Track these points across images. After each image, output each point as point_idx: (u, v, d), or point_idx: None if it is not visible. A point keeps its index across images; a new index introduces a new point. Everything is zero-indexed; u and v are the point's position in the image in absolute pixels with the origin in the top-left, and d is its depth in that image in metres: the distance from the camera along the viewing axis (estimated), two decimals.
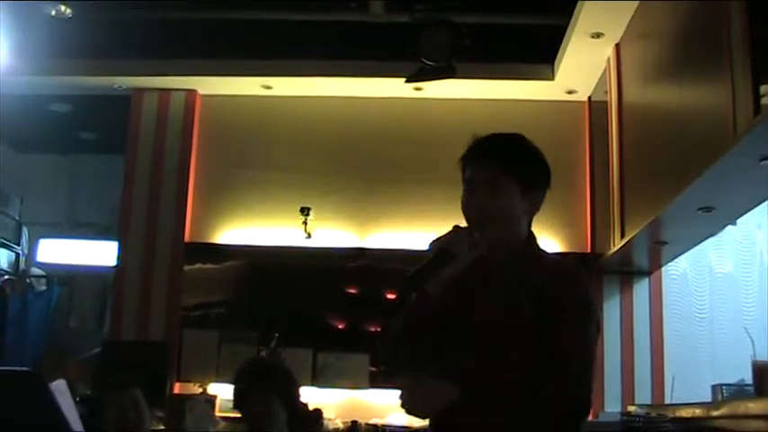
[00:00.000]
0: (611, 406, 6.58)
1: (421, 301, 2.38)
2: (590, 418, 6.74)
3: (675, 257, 6.44)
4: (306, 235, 7.11)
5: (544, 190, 2.47)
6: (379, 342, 2.51)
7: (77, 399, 4.24)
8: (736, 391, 4.92)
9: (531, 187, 2.42)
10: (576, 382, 2.25)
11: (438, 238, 2.35)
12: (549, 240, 7.07)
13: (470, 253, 2.34)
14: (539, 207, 2.47)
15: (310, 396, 5.79)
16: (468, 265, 2.37)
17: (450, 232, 2.35)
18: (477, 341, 2.29)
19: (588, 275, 6.90)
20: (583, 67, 6.63)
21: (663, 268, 6.80)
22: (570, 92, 7.16)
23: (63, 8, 6.09)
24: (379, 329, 6.41)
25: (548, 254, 2.50)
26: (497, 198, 2.37)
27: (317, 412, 5.72)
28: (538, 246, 2.48)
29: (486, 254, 2.40)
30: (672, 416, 4.51)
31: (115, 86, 7.46)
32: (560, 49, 6.60)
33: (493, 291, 2.36)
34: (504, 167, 2.38)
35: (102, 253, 8.34)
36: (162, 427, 6.04)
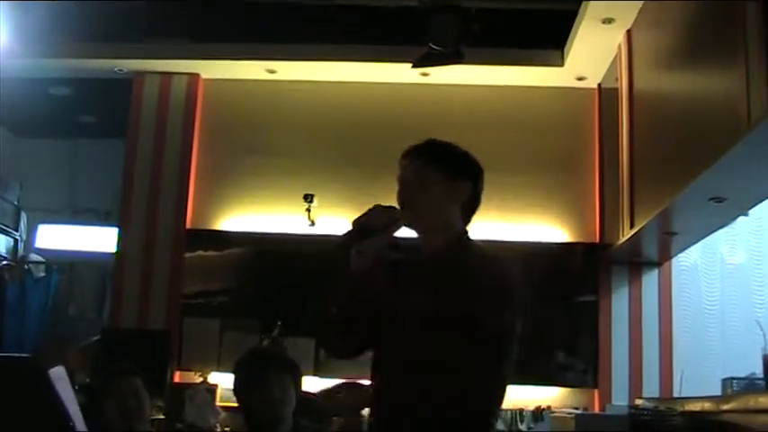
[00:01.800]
0: (619, 399, 6.59)
1: (343, 274, 2.55)
2: (596, 410, 6.74)
3: (686, 248, 6.44)
4: (309, 222, 7.12)
5: (472, 181, 2.64)
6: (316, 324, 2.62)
7: (76, 387, 4.25)
8: (747, 385, 4.92)
9: (453, 177, 2.60)
10: (489, 378, 2.41)
11: (358, 216, 2.56)
12: (557, 230, 7.08)
13: (391, 227, 2.54)
14: (465, 199, 2.62)
15: (312, 387, 5.79)
16: (407, 257, 2.59)
17: (369, 209, 2.56)
18: (409, 330, 2.42)
19: (595, 265, 6.91)
20: (593, 53, 6.61)
21: (673, 259, 6.80)
22: (580, 78, 7.14)
23: None
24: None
25: (478, 246, 2.61)
26: (418, 185, 2.58)
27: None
28: (468, 240, 2.62)
29: (421, 248, 2.60)
30: (681, 410, 4.52)
31: (116, 70, 7.45)
32: (570, 35, 6.58)
33: (424, 279, 2.50)
34: (424, 160, 2.61)
35: (102, 239, 8.34)
36: (162, 417, 6.05)
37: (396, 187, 2.65)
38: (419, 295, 2.45)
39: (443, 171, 2.59)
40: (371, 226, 2.52)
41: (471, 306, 2.36)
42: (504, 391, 2.46)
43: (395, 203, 2.60)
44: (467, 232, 2.63)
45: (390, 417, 2.47)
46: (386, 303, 2.49)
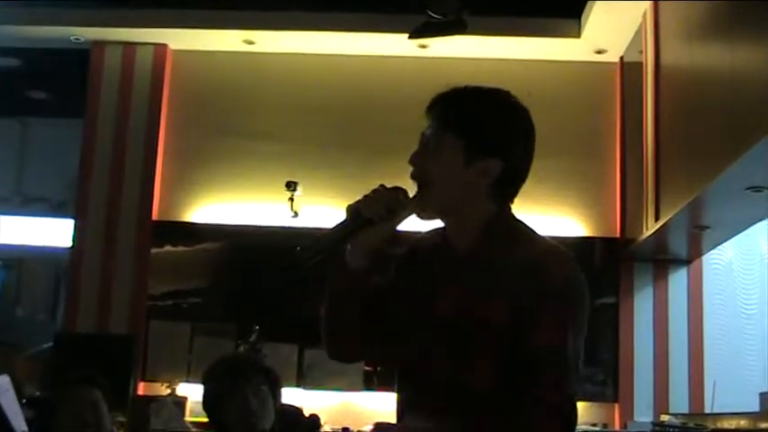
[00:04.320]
0: (642, 415, 6.59)
1: (337, 272, 2.37)
2: (617, 427, 6.74)
3: (719, 244, 6.44)
4: (292, 213, 7.10)
5: (503, 158, 2.29)
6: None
7: (24, 400, 4.22)
8: None
9: (478, 152, 2.26)
10: (563, 387, 2.14)
11: (352, 203, 2.32)
12: (572, 223, 7.08)
13: (396, 217, 2.27)
14: (499, 176, 2.28)
15: (295, 399, 5.78)
16: (434, 249, 2.34)
17: (369, 194, 2.31)
18: (439, 339, 2.22)
19: (615, 263, 6.91)
20: (614, 23, 6.60)
21: (704, 256, 6.81)
22: (599, 51, 7.13)
23: None
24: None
25: (528, 234, 2.33)
26: (433, 157, 2.28)
27: (314, 419, 5.71)
28: (512, 225, 2.33)
29: (446, 236, 2.33)
30: (712, 427, 4.51)
31: (72, 38, 7.41)
32: (588, 2, 6.56)
33: (455, 279, 2.26)
34: (446, 122, 2.30)
35: (55, 232, 8.31)
36: None
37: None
38: (448, 302, 2.22)
39: (470, 139, 2.26)
40: (371, 213, 2.27)
41: (521, 317, 2.13)
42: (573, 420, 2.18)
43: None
44: (508, 216, 2.33)
45: None
46: (407, 310, 2.29)
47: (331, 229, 2.32)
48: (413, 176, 2.30)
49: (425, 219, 2.32)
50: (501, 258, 2.23)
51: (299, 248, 2.29)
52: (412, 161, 2.31)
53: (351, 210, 2.30)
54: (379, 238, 2.30)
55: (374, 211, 2.27)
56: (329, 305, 2.42)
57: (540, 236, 2.32)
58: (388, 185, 2.30)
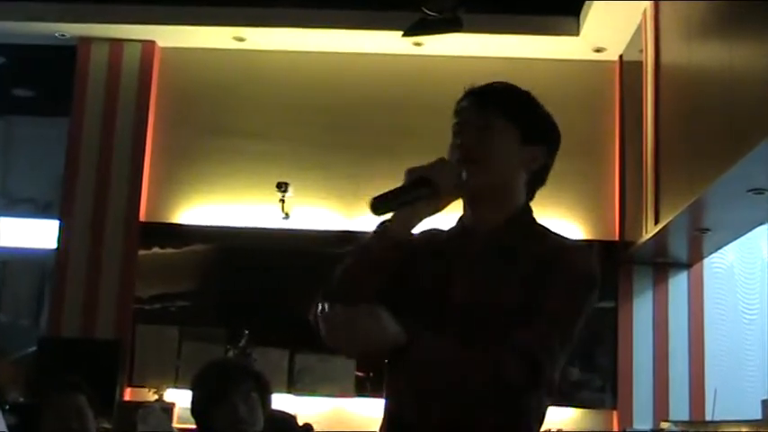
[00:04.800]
0: (641, 422, 6.60)
1: (380, 238, 2.28)
2: None
3: (720, 248, 6.45)
4: (283, 215, 7.09)
5: (548, 148, 2.49)
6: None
7: (7, 407, 4.22)
8: None
9: (529, 138, 2.41)
10: (548, 344, 2.18)
11: (417, 167, 2.28)
12: (570, 225, 7.07)
13: (454, 190, 2.28)
14: (536, 168, 2.44)
15: (285, 405, 5.77)
16: (453, 236, 2.38)
17: (432, 162, 2.29)
18: (461, 325, 2.23)
19: (614, 266, 6.91)
20: (614, 21, 6.60)
21: (705, 260, 6.81)
22: (598, 50, 7.14)
23: None
24: None
25: (549, 230, 2.42)
26: (489, 137, 2.35)
27: (308, 428, 5.70)
28: (532, 220, 2.43)
29: (472, 224, 2.37)
30: None
31: (57, 35, 7.40)
32: (587, 0, 6.57)
33: (482, 266, 2.30)
34: (499, 107, 2.38)
35: (40, 233, 8.29)
36: None
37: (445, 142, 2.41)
38: (470, 287, 2.26)
39: (519, 126, 2.38)
40: (444, 183, 2.24)
41: (544, 305, 2.20)
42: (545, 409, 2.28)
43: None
44: (530, 208, 2.44)
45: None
46: (423, 295, 2.30)
47: (398, 191, 2.24)
48: (465, 157, 2.32)
49: (468, 194, 2.35)
50: (524, 248, 2.30)
51: (373, 199, 2.22)
52: (465, 142, 2.35)
53: (418, 176, 2.26)
54: (434, 211, 2.29)
55: (447, 182, 2.26)
56: (358, 273, 2.30)
57: (559, 234, 2.41)
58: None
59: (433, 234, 2.42)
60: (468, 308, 2.25)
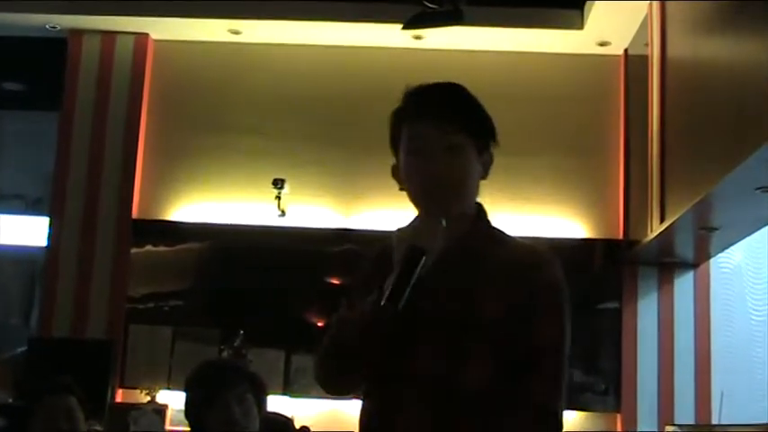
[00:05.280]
0: (646, 425, 6.60)
1: (382, 314, 2.22)
2: None
3: (727, 247, 6.44)
4: (279, 212, 7.09)
5: (491, 150, 2.43)
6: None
7: None
8: None
9: (485, 146, 2.39)
10: (554, 385, 2.26)
11: (404, 229, 2.27)
12: (572, 223, 7.08)
13: (439, 245, 2.23)
14: (488, 172, 2.42)
15: (281, 407, 5.77)
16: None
17: (415, 222, 2.29)
18: (429, 338, 2.25)
19: (618, 266, 6.91)
20: (619, 14, 6.60)
21: (711, 260, 6.81)
22: (603, 44, 7.13)
23: None
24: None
25: (505, 234, 2.43)
26: (459, 160, 2.31)
27: (304, 430, 5.71)
28: (490, 222, 2.44)
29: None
30: None
31: (48, 27, 7.40)
32: None
33: (443, 278, 2.27)
34: (461, 124, 2.32)
35: (30, 230, 8.29)
36: None
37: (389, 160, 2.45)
38: (441, 297, 2.27)
39: (481, 137, 2.36)
40: (429, 249, 2.20)
41: (508, 311, 2.23)
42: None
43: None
44: (483, 210, 2.43)
45: None
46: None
47: (401, 280, 2.18)
48: (438, 185, 2.30)
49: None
50: (490, 253, 2.32)
51: (383, 302, 2.18)
52: (434, 168, 2.30)
53: (410, 250, 2.20)
54: (425, 270, 2.22)
55: (437, 244, 2.23)
56: (347, 343, 2.30)
57: (515, 237, 2.43)
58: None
59: (389, 249, 2.33)
60: (440, 319, 2.26)
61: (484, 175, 2.39)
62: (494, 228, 2.42)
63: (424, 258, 2.19)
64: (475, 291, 2.26)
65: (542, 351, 2.24)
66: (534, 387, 2.22)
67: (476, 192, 2.38)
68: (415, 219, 2.31)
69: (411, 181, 2.35)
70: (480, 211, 2.42)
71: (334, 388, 2.42)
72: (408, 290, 2.17)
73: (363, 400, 2.36)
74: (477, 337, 2.23)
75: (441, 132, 2.30)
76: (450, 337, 2.24)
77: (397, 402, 2.25)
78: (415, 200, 2.37)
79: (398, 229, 2.28)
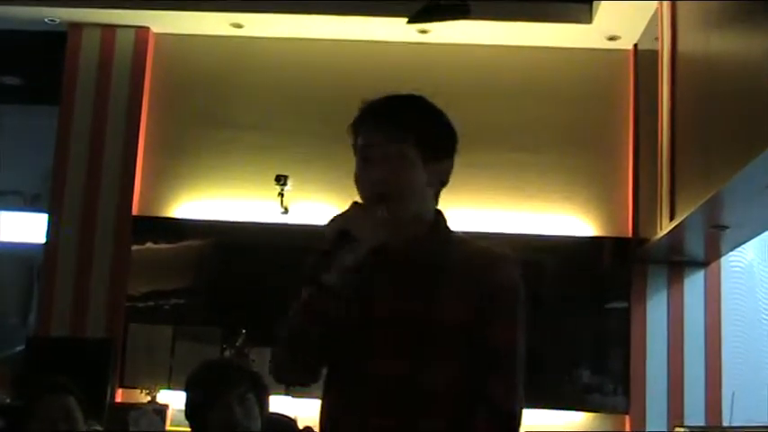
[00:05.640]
0: (655, 427, 6.60)
1: (321, 296, 2.42)
2: None
3: (739, 245, 6.44)
4: (282, 209, 7.09)
5: (452, 159, 2.56)
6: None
7: None
8: None
9: (435, 155, 2.50)
10: (510, 385, 2.39)
11: (335, 217, 2.47)
12: (580, 221, 7.07)
13: (377, 234, 2.43)
14: (446, 179, 2.56)
15: (284, 407, 5.77)
16: (369, 253, 2.47)
17: (349, 209, 2.48)
18: (386, 341, 2.40)
19: (627, 265, 6.90)
20: (628, 7, 6.58)
21: (722, 258, 6.80)
22: (612, 38, 7.12)
23: None
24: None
25: (464, 238, 2.57)
26: (403, 169, 2.47)
27: (308, 430, 5.70)
28: (448, 228, 2.57)
29: (386, 239, 2.48)
30: None
31: (47, 20, 7.39)
32: None
33: (398, 282, 2.46)
34: (403, 132, 2.49)
35: (28, 227, 8.31)
36: None
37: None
38: (393, 300, 2.44)
39: (426, 148, 2.49)
40: (356, 232, 2.41)
41: (465, 312, 2.37)
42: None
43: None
44: (442, 216, 2.58)
45: None
46: (355, 311, 2.46)
47: (320, 255, 2.43)
48: (381, 193, 2.47)
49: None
50: (447, 258, 2.47)
51: (306, 272, 2.45)
52: (377, 177, 2.49)
53: (338, 231, 2.42)
54: (360, 257, 2.41)
55: (367, 233, 2.41)
56: (297, 330, 2.50)
57: (474, 240, 2.56)
58: None
59: None
60: (395, 320, 2.41)
61: (437, 182, 2.52)
62: (452, 232, 2.56)
63: (350, 242, 2.38)
64: (431, 292, 2.40)
65: (498, 352, 2.38)
66: (491, 388, 2.34)
67: (423, 198, 2.51)
68: (350, 207, 2.50)
69: (358, 187, 2.56)
70: (438, 216, 2.56)
71: (285, 375, 2.67)
72: (334, 269, 2.37)
73: (323, 399, 2.55)
74: (432, 338, 2.37)
75: (382, 141, 2.50)
76: (405, 337, 2.38)
77: (353, 401, 2.42)
78: (363, 201, 2.54)
79: (332, 218, 2.49)
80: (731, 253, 6.68)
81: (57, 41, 7.48)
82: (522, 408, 2.38)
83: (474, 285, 2.39)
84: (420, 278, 2.44)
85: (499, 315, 2.39)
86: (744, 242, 6.33)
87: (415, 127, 2.49)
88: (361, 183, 2.54)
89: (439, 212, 2.56)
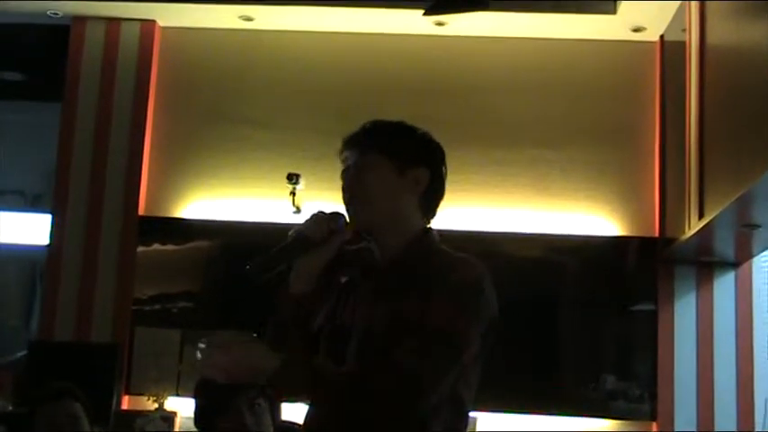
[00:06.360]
0: None
1: (281, 299, 2.79)
2: None
3: None
4: (294, 209, 7.10)
5: (429, 168, 2.77)
6: None
7: None
8: None
9: (407, 164, 2.74)
10: (426, 355, 2.46)
11: (297, 226, 2.74)
12: (605, 220, 7.05)
13: (336, 237, 2.71)
14: (426, 188, 2.76)
15: (296, 415, 5.78)
16: (356, 268, 2.79)
17: (309, 218, 2.75)
18: (360, 344, 2.61)
19: (653, 266, 6.89)
20: None
21: (754, 259, 6.78)
22: (637, 29, 7.11)
23: None
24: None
25: (447, 250, 2.73)
26: (364, 174, 2.73)
27: None
28: (432, 243, 2.75)
29: (373, 251, 2.75)
30: None
31: (49, 13, 7.41)
32: None
33: (384, 294, 2.64)
34: (370, 144, 2.78)
35: (31, 228, 8.32)
36: None
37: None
38: (373, 310, 2.61)
39: (393, 157, 2.73)
40: (312, 237, 2.69)
41: (432, 320, 2.49)
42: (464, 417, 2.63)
43: None
44: (429, 230, 2.77)
45: None
46: (334, 322, 2.72)
47: (275, 251, 2.72)
48: (349, 197, 2.75)
49: (363, 233, 2.76)
50: (424, 272, 2.61)
51: (248, 266, 2.71)
52: (345, 184, 2.77)
53: (294, 233, 2.74)
54: (321, 261, 2.74)
55: (317, 232, 2.70)
56: (274, 333, 2.80)
57: (458, 253, 2.71)
58: None
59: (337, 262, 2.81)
60: (368, 336, 2.60)
61: (412, 192, 2.74)
62: (435, 244, 2.75)
63: (303, 244, 2.69)
64: (403, 299, 2.57)
65: (431, 336, 2.47)
66: (405, 351, 2.45)
67: (393, 205, 2.73)
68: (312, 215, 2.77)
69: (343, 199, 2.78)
70: (424, 233, 2.76)
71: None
72: (295, 271, 2.72)
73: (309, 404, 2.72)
74: (399, 341, 2.48)
75: (353, 154, 2.78)
76: (378, 342, 2.55)
77: (327, 405, 2.58)
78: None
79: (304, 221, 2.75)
80: (763, 253, 6.66)
81: (60, 35, 7.49)
82: (435, 385, 2.46)
83: (438, 286, 2.54)
84: (395, 287, 2.63)
85: (449, 304, 2.51)
86: None
87: (374, 137, 2.80)
88: (342, 191, 2.79)
89: (426, 227, 2.77)
